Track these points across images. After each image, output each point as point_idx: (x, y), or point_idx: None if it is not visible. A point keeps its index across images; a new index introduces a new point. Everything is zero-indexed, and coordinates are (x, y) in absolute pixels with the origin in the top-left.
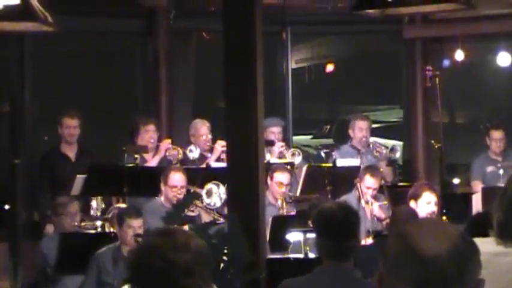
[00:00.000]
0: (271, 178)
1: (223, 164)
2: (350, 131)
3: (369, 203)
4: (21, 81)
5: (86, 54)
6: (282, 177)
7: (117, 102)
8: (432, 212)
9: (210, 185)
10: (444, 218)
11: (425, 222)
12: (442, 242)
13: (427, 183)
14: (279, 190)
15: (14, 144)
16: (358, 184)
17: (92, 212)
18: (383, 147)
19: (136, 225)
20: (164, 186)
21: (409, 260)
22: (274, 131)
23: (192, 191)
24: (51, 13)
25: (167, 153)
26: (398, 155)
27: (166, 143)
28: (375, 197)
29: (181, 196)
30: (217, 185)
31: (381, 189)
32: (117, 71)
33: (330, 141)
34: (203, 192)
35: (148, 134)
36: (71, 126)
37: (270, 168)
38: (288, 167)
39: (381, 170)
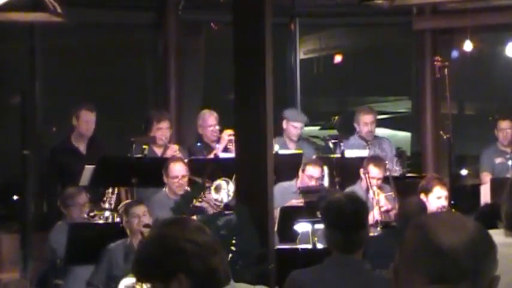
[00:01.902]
0: (303, 170)
1: (231, 154)
2: (355, 124)
3: (375, 193)
4: (32, 73)
5: (95, 46)
6: (313, 171)
7: (126, 94)
8: (442, 206)
9: (219, 181)
10: (453, 209)
11: (444, 214)
12: (460, 234)
13: (438, 177)
14: (309, 183)
15: (24, 135)
16: (367, 175)
17: (102, 204)
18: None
19: (139, 212)
20: (167, 179)
21: (426, 252)
22: (296, 126)
23: (195, 180)
24: (60, 5)
25: None
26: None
27: (174, 149)
28: (380, 188)
29: (184, 184)
30: (227, 182)
31: (386, 180)
32: (126, 63)
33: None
34: (212, 188)
35: (160, 132)
36: (90, 120)
37: (303, 161)
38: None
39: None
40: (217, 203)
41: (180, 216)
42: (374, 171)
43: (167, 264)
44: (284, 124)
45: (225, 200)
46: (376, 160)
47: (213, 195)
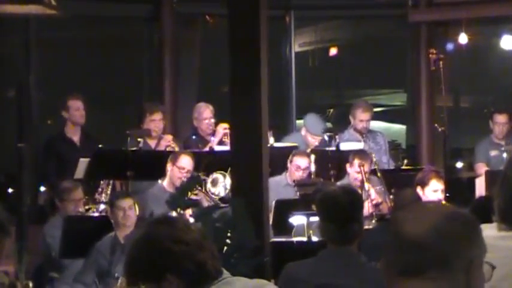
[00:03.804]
0: (291, 161)
1: (226, 148)
2: (351, 118)
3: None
4: (27, 66)
5: (91, 39)
6: (300, 161)
7: (122, 87)
8: (439, 199)
9: (216, 175)
10: (448, 202)
11: (415, 206)
12: (423, 224)
13: (435, 170)
14: (296, 174)
15: (19, 128)
16: (361, 167)
17: (97, 196)
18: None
19: (125, 205)
20: (172, 167)
21: (394, 245)
22: (315, 138)
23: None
24: None
25: (166, 149)
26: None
27: (168, 139)
28: (371, 181)
29: (185, 180)
30: (224, 175)
31: (374, 172)
32: (122, 56)
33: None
34: (208, 181)
35: (153, 123)
36: (80, 108)
37: (292, 152)
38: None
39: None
40: (214, 196)
41: (167, 215)
42: (360, 164)
43: (156, 266)
44: (303, 131)
45: (222, 193)
46: (361, 154)
47: (210, 188)
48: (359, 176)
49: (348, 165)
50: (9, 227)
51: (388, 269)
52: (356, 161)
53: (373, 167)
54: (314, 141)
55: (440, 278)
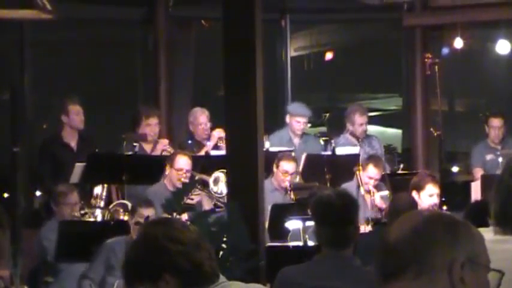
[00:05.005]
0: (277, 166)
1: (222, 152)
2: (348, 125)
3: (371, 192)
4: (21, 69)
5: (85, 42)
6: (287, 166)
7: (116, 90)
8: (434, 204)
9: (217, 173)
10: (444, 206)
11: (409, 213)
12: (403, 227)
13: (430, 174)
14: (283, 178)
15: (14, 132)
16: (358, 172)
17: (92, 200)
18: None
19: (148, 214)
20: (170, 169)
21: (378, 250)
22: (299, 121)
23: (196, 177)
24: (50, 1)
25: (163, 153)
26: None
27: (164, 143)
28: (377, 186)
29: (185, 180)
30: (225, 173)
31: (382, 178)
32: (116, 59)
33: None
34: (210, 180)
35: (149, 128)
36: (80, 112)
37: (277, 156)
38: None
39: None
40: (217, 195)
41: (165, 216)
42: (373, 171)
43: (152, 265)
44: (287, 118)
45: (225, 191)
46: (376, 160)
47: (212, 187)
48: (371, 181)
49: (357, 168)
50: (2, 218)
51: (376, 274)
52: (370, 167)
53: None
54: (299, 124)
55: (420, 278)
